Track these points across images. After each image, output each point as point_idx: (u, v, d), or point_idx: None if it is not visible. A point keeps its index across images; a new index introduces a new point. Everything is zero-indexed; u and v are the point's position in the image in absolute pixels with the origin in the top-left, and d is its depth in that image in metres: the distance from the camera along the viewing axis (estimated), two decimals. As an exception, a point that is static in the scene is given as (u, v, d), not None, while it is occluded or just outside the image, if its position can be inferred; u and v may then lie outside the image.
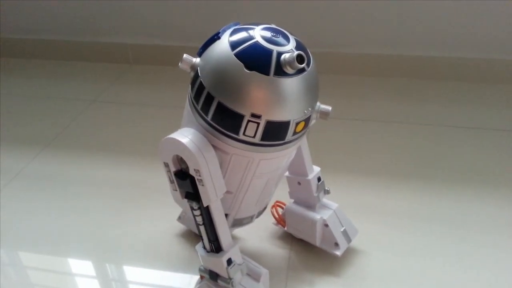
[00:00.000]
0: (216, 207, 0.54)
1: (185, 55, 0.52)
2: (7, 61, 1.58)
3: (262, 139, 0.51)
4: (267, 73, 0.48)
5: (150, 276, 0.72)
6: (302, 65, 0.48)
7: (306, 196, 0.69)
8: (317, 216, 0.68)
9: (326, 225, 0.69)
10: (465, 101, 1.18)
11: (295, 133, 0.53)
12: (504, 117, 1.10)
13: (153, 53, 1.47)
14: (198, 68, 0.52)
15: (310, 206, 0.70)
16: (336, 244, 0.69)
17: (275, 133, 0.51)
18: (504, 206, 0.83)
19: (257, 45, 0.49)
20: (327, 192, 0.71)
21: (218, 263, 0.57)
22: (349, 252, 0.74)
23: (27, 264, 0.76)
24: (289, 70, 0.49)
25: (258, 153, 0.53)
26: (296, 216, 0.71)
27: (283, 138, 0.52)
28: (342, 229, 0.70)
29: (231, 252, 0.57)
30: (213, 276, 0.58)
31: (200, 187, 0.52)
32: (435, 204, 0.84)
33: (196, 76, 0.52)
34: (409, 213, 0.82)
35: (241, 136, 0.51)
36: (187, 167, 0.52)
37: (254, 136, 0.51)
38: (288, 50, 0.50)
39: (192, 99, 0.52)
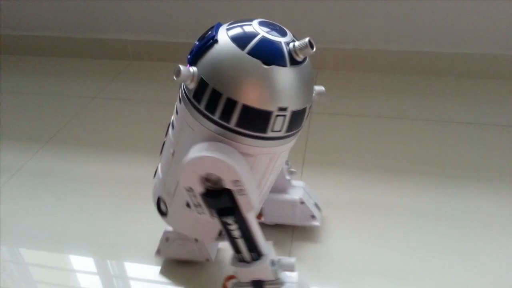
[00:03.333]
0: (252, 213, 0.53)
1: (181, 68, 0.47)
2: (6, 58, 1.58)
3: (287, 130, 0.51)
4: (285, 65, 0.48)
5: (151, 272, 0.72)
6: (314, 50, 0.48)
7: (279, 182, 0.72)
8: (295, 197, 0.72)
9: (302, 202, 0.73)
10: (467, 97, 1.18)
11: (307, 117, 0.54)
12: (506, 113, 1.10)
13: (153, 49, 1.47)
14: (203, 76, 0.48)
15: (283, 190, 0.73)
16: (313, 216, 0.74)
17: (298, 121, 0.51)
18: (505, 202, 0.83)
19: (265, 39, 0.48)
20: (292, 173, 0.74)
21: (263, 269, 0.55)
22: (350, 249, 0.74)
23: (29, 261, 0.76)
24: (300, 57, 0.49)
25: (280, 146, 0.52)
26: (275, 203, 0.74)
27: (301, 124, 0.53)
28: (313, 202, 0.76)
29: (270, 252, 0.56)
30: (258, 284, 0.57)
31: (240, 198, 0.50)
32: (436, 200, 0.84)
33: (203, 86, 0.48)
34: (410, 209, 0.82)
35: (268, 134, 0.49)
36: (216, 183, 0.49)
37: (280, 130, 0.50)
38: (290, 39, 0.50)
39: (204, 110, 0.48)
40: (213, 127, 0.49)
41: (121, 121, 1.16)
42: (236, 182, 0.49)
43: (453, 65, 1.28)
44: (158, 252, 0.72)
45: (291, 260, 0.58)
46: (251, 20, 0.51)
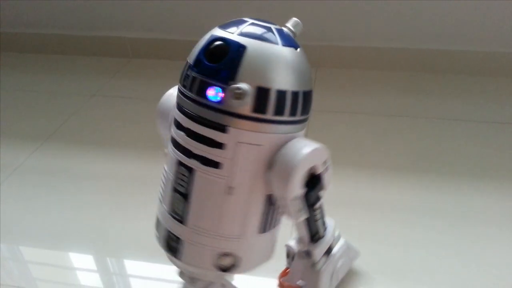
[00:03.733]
0: None
1: (241, 87, 0.43)
2: (6, 55, 1.58)
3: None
4: (299, 45, 0.49)
5: (151, 270, 0.72)
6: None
7: None
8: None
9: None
10: (468, 95, 1.18)
11: None
12: (506, 110, 1.10)
13: (152, 47, 1.47)
14: (260, 84, 0.44)
15: None
16: None
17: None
18: (505, 199, 0.83)
19: (277, 29, 0.48)
20: None
21: (331, 233, 0.60)
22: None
23: (28, 259, 0.76)
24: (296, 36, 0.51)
25: None
26: None
27: None
28: None
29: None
30: (329, 251, 0.61)
31: (325, 176, 0.50)
32: (437, 197, 0.84)
33: (264, 93, 0.44)
34: (410, 207, 0.82)
35: (309, 114, 0.50)
36: (309, 174, 0.48)
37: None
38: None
39: (273, 117, 0.45)
40: (284, 128, 0.47)
41: (121, 119, 1.16)
42: (325, 162, 0.49)
43: (454, 63, 1.28)
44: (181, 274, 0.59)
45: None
46: (242, 19, 0.49)
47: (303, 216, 0.50)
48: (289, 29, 0.49)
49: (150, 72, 1.41)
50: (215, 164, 0.46)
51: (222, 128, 0.45)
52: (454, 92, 1.20)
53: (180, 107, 0.47)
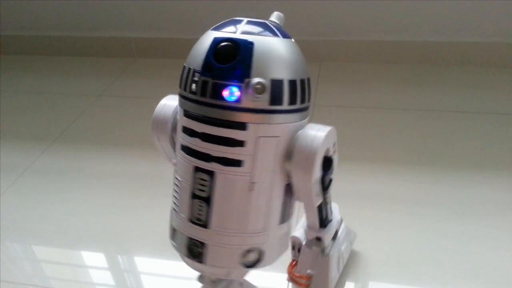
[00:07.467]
0: None
1: (261, 82, 0.45)
2: (13, 58, 1.59)
3: None
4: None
5: (162, 266, 0.73)
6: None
7: None
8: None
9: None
10: (471, 86, 1.18)
11: None
12: (507, 101, 1.10)
13: (157, 46, 1.48)
14: (273, 77, 0.46)
15: None
16: None
17: None
18: (506, 190, 0.83)
19: (271, 23, 0.50)
20: None
21: (337, 216, 0.62)
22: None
23: (41, 258, 0.78)
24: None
25: None
26: None
27: None
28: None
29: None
30: (335, 235, 0.63)
31: (335, 157, 0.52)
32: (441, 190, 0.84)
33: (278, 86, 0.46)
34: (411, 199, 0.82)
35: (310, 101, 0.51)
36: (327, 154, 0.50)
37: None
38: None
39: (288, 107, 0.47)
40: (296, 117, 0.49)
41: (128, 118, 1.17)
42: (334, 144, 0.51)
43: (455, 55, 1.27)
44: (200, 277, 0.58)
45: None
46: (235, 19, 0.50)
47: (319, 200, 0.52)
48: (275, 22, 0.51)
49: (155, 71, 1.42)
50: (237, 163, 0.47)
51: (242, 126, 0.46)
52: (457, 84, 1.19)
53: (189, 114, 0.47)
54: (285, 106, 0.46)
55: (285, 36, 0.49)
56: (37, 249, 0.79)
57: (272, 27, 0.49)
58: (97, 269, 0.75)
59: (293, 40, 0.50)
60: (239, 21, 0.49)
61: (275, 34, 0.48)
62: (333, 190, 0.56)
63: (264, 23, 0.49)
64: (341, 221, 0.67)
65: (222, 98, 0.45)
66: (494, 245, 0.72)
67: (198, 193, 0.49)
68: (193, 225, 0.50)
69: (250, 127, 0.46)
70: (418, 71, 1.27)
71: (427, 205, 0.81)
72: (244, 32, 0.47)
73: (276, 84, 0.46)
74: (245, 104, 0.45)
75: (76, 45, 1.55)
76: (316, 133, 0.48)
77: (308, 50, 1.34)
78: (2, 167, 1.01)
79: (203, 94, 0.46)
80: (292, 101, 0.47)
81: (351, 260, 0.71)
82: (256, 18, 0.51)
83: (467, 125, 1.02)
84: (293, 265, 0.65)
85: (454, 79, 1.22)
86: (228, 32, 0.47)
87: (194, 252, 0.51)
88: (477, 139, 0.97)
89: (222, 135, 0.46)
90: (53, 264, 0.76)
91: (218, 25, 0.49)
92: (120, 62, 1.49)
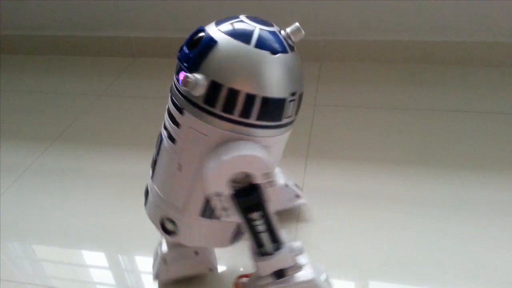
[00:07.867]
0: (271, 204, 0.53)
1: (190, 76, 0.46)
2: (13, 58, 1.59)
3: (296, 113, 0.52)
4: (287, 51, 0.49)
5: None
6: (303, 33, 0.52)
7: None
8: (279, 182, 0.72)
9: (286, 186, 0.76)
10: (470, 86, 1.18)
11: None
12: (508, 101, 1.10)
13: (157, 45, 1.48)
14: (214, 79, 0.47)
15: None
16: (298, 196, 0.78)
17: (301, 103, 0.53)
18: (509, 189, 0.83)
19: (263, 31, 0.49)
20: None
21: (284, 257, 0.56)
22: (352, 238, 0.75)
23: (41, 257, 0.78)
24: (292, 42, 0.51)
25: (289, 130, 0.53)
26: None
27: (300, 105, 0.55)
28: (293, 183, 0.78)
29: (288, 239, 0.57)
30: (280, 274, 0.57)
31: (266, 190, 0.51)
32: (441, 190, 0.84)
33: (216, 88, 0.47)
34: (412, 199, 0.82)
35: (283, 121, 0.50)
36: (242, 182, 0.50)
37: (291, 115, 0.51)
38: (278, 28, 0.51)
39: (221, 112, 0.48)
40: (231, 126, 0.49)
41: (128, 118, 1.17)
42: (267, 174, 0.50)
43: (455, 55, 1.28)
44: (157, 276, 0.67)
45: (298, 244, 0.59)
46: (236, 16, 0.51)
47: (231, 218, 0.54)
48: (286, 33, 0.51)
49: (155, 71, 1.42)
50: (172, 140, 0.53)
51: (180, 110, 0.50)
52: (457, 84, 1.19)
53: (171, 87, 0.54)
54: (218, 110, 0.48)
55: (263, 47, 0.47)
56: (37, 249, 0.79)
57: (256, 33, 0.48)
58: (97, 269, 0.75)
59: (277, 55, 0.48)
60: (235, 18, 0.50)
61: (247, 42, 0.47)
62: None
63: (253, 27, 0.49)
64: (327, 279, 0.61)
65: (178, 80, 0.50)
66: (494, 245, 0.72)
67: (154, 154, 0.58)
68: (149, 178, 0.59)
69: (186, 114, 0.50)
70: (418, 71, 1.27)
71: (427, 205, 0.81)
72: (221, 29, 0.49)
73: (215, 87, 0.47)
74: (186, 92, 0.49)
75: (76, 45, 1.55)
76: (231, 150, 0.48)
77: (308, 50, 1.34)
78: (2, 167, 1.01)
79: (176, 72, 0.51)
80: (228, 109, 0.47)
81: (351, 260, 0.71)
82: (264, 20, 0.51)
83: (467, 125, 1.02)
84: (240, 277, 0.66)
85: (454, 79, 1.22)
86: (214, 25, 0.50)
87: (146, 195, 0.62)
88: (477, 139, 0.97)
89: (171, 111, 0.52)
90: (53, 263, 0.76)
91: (222, 18, 0.51)
92: (120, 62, 1.49)
